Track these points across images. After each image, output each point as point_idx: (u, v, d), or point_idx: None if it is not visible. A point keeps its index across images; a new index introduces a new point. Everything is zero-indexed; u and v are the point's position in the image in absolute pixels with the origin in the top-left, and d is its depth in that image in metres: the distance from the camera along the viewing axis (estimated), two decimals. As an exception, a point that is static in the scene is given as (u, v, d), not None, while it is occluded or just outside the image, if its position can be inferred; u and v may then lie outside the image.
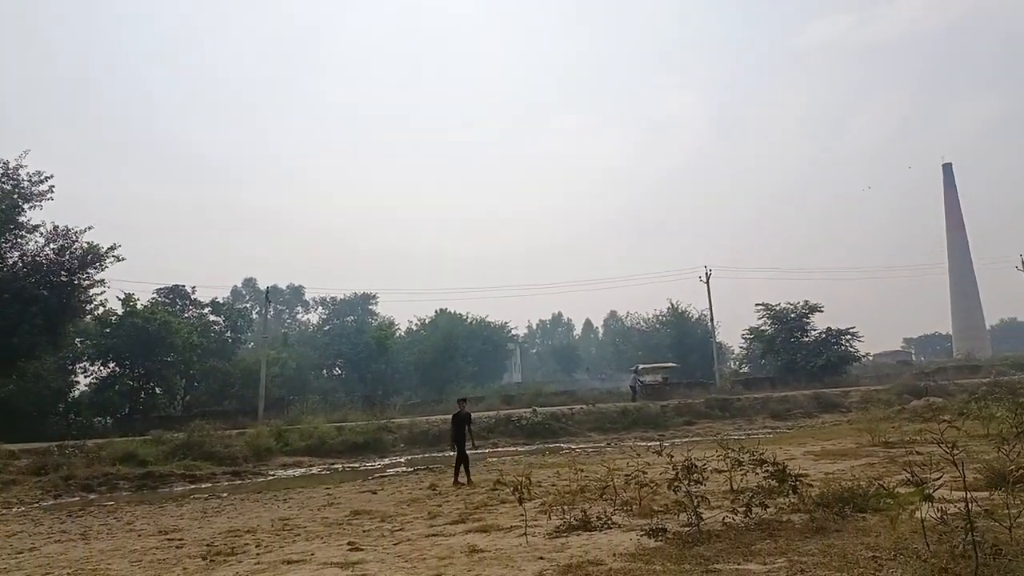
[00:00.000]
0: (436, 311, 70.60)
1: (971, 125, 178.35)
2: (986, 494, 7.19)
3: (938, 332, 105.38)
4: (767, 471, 8.51)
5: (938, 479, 5.81)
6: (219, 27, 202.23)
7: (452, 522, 9.74)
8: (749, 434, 23.44)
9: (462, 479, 14.93)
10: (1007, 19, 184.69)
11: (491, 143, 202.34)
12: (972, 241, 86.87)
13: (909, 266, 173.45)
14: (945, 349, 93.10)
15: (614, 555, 6.79)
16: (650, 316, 72.81)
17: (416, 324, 68.17)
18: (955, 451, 5.64)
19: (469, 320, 70.35)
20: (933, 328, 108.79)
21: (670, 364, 50.45)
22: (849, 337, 51.49)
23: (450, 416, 16.28)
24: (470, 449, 15.60)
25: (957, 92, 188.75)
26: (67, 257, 31.74)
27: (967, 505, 5.17)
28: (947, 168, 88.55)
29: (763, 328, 54.48)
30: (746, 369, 61.85)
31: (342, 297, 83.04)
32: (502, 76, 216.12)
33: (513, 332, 79.63)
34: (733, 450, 9.68)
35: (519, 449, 25.80)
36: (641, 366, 47.27)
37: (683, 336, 62.58)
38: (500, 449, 26.25)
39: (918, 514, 5.81)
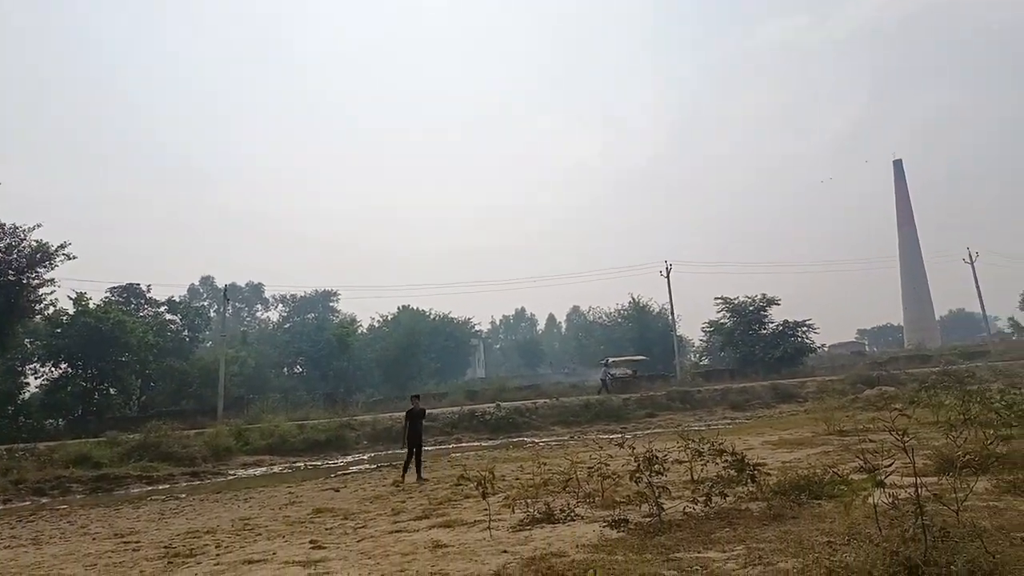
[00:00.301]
0: (399, 308, 70.16)
1: (922, 122, 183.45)
2: (935, 479, 7.42)
3: (890, 323, 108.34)
4: (726, 461, 8.66)
5: (889, 466, 5.98)
6: (206, 28, 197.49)
7: (415, 518, 9.70)
8: (709, 425, 23.82)
9: (412, 476, 14.80)
10: (956, 18, 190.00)
11: (460, 142, 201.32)
12: (922, 235, 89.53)
13: (863, 259, 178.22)
14: (897, 340, 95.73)
15: (577, 546, 6.84)
16: (612, 311, 73.40)
17: (378, 321, 67.65)
18: (906, 438, 5.81)
19: (432, 316, 70.00)
20: (885, 319, 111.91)
21: (640, 357, 50.80)
22: (805, 329, 52.50)
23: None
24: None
25: (909, 89, 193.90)
26: (15, 256, 30.71)
27: (917, 490, 5.32)
28: (898, 164, 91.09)
29: (722, 321, 55.30)
30: (706, 361, 62.69)
31: (303, 294, 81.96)
32: (473, 75, 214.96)
33: (477, 328, 79.51)
34: (693, 441, 9.84)
35: (483, 444, 25.81)
36: (611, 359, 47.43)
37: (644, 330, 63.13)
38: (464, 444, 26.23)
39: (871, 500, 5.97)
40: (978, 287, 64.87)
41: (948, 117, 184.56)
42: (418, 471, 14.89)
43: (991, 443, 7.92)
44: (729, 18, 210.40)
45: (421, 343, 59.08)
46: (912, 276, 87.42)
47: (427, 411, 17.93)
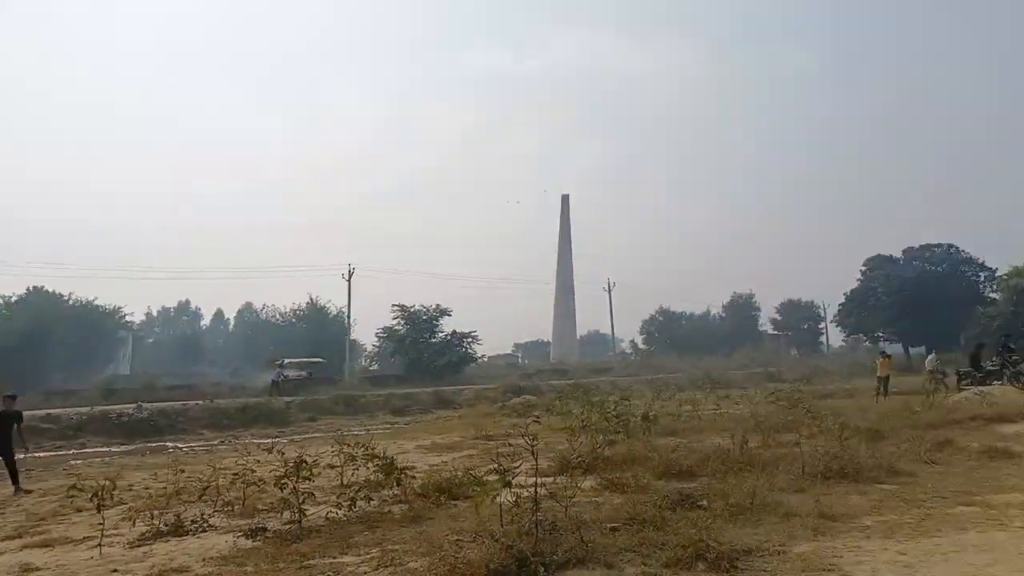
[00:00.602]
0: (28, 288, 59.13)
1: (587, 160, 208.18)
2: (553, 479, 8.32)
3: (541, 339, 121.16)
4: (377, 465, 8.76)
5: (517, 467, 6.53)
6: None
7: (5, 538, 8.11)
8: (369, 429, 23.97)
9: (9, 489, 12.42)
10: (618, 75, 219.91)
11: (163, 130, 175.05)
12: (577, 263, 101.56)
13: (530, 279, 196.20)
14: (545, 354, 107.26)
15: (204, 560, 6.32)
16: (288, 310, 70.90)
17: (-1, 303, 56.16)
18: (535, 443, 6.43)
19: (72, 302, 60.33)
20: (538, 335, 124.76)
21: (317, 359, 49.62)
22: (470, 340, 56.26)
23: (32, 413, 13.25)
24: (20, 454, 13.02)
25: (578, 133, 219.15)
26: None
27: (536, 489, 5.91)
28: (565, 198, 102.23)
29: (396, 328, 56.69)
30: (376, 367, 63.68)
31: None
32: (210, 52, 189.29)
33: (128, 319, 70.47)
34: (348, 445, 9.78)
35: (114, 450, 22.71)
36: (288, 360, 45.65)
37: (320, 332, 62.11)
38: (90, 450, 22.78)
39: (499, 499, 6.46)
40: (611, 313, 75.95)
41: (604, 163, 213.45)
42: (15, 481, 12.44)
43: (599, 447, 9.17)
44: (437, 35, 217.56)
45: (53, 332, 50.66)
46: (563, 298, 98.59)
47: (47, 413, 15.23)
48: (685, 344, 77.44)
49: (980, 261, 60.54)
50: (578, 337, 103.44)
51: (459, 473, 8.90)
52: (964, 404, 17.12)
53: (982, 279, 59.94)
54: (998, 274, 57.17)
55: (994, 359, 24.28)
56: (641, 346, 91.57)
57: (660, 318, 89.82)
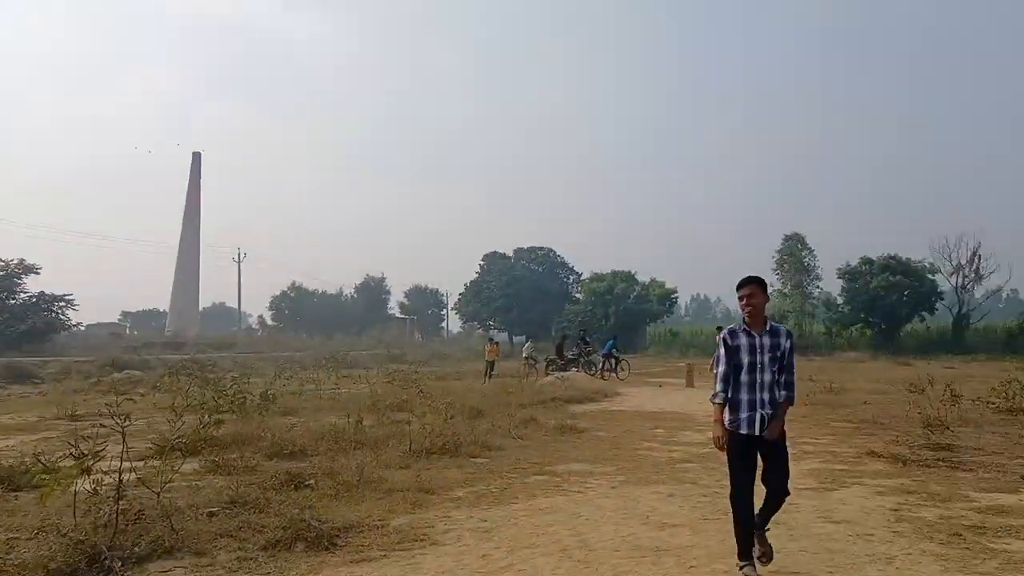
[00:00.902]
0: None
1: (227, 120, 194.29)
2: (150, 463, 7.55)
3: (157, 308, 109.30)
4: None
5: (101, 451, 5.77)
6: None
7: None
8: (-94, 408, 19.06)
9: None
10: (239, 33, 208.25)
11: None
12: (205, 229, 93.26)
13: (148, 241, 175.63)
14: (161, 325, 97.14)
15: None
16: None
17: None
18: (127, 422, 5.74)
19: None
20: (153, 304, 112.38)
21: None
22: (63, 304, 48.23)
23: None
24: None
25: (223, 88, 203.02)
26: None
27: (120, 476, 5.29)
28: (197, 157, 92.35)
29: (-41, 285, 45.94)
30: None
31: None
32: None
33: None
34: None
35: None
36: None
37: None
38: None
39: (75, 488, 5.64)
40: (239, 285, 71.79)
41: (245, 124, 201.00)
42: None
43: (205, 426, 8.57)
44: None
45: None
46: (186, 266, 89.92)
47: None
48: (315, 322, 77.15)
49: (571, 266, 71.59)
50: (200, 309, 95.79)
51: (25, 459, 7.55)
52: (548, 387, 20.05)
53: (571, 281, 70.90)
54: (583, 278, 68.29)
55: (574, 349, 28.94)
56: (270, 322, 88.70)
57: (292, 295, 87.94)
